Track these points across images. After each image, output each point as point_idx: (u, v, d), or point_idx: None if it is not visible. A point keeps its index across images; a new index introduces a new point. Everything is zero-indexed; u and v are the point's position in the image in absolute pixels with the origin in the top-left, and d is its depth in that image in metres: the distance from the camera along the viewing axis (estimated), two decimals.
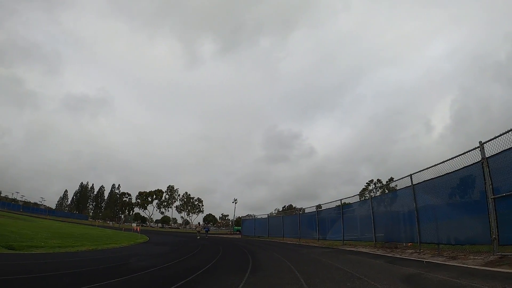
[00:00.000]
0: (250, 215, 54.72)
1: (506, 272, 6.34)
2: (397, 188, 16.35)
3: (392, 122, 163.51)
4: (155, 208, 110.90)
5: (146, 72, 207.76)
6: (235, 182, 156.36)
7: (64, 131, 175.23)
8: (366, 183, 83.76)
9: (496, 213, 8.49)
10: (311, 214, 27.93)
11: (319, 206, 27.24)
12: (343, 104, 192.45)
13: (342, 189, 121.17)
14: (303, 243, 24.25)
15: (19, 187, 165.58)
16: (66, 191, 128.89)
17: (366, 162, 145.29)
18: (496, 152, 8.64)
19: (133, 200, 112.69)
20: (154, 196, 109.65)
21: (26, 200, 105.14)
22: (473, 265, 7.67)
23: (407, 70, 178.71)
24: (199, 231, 39.60)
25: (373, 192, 20.92)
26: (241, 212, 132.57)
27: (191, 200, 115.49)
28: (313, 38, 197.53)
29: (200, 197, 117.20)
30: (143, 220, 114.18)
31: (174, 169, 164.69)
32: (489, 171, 8.87)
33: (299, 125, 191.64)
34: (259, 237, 38.57)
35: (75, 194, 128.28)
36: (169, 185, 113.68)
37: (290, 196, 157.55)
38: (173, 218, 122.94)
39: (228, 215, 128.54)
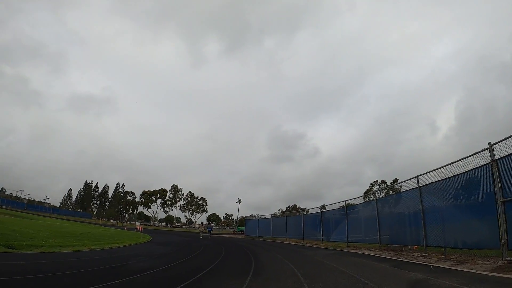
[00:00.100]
0: (254, 215, 54.56)
1: None
2: (402, 189, 16.08)
3: (396, 123, 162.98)
4: (159, 207, 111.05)
5: (150, 71, 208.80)
6: (239, 182, 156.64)
7: (68, 130, 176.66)
8: (371, 183, 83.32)
9: (505, 217, 8.24)
10: (315, 215, 27.69)
11: (323, 207, 27.01)
12: (348, 105, 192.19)
13: (346, 190, 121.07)
14: (307, 244, 24.03)
15: (24, 185, 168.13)
16: (70, 189, 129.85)
17: (371, 162, 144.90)
18: (506, 154, 8.39)
19: (137, 199, 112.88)
20: (158, 195, 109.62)
21: (30, 198, 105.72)
22: (481, 270, 7.43)
23: (412, 70, 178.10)
24: (202, 231, 39.53)
25: (378, 193, 20.62)
26: (244, 212, 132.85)
27: (195, 199, 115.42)
28: (318, 38, 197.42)
29: (204, 197, 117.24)
30: (147, 219, 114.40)
31: (178, 168, 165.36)
32: (498, 173, 8.61)
33: (304, 125, 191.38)
34: (263, 237, 38.39)
35: (80, 192, 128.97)
36: (173, 185, 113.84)
37: (294, 196, 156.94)
38: (177, 218, 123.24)
39: (232, 214, 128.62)
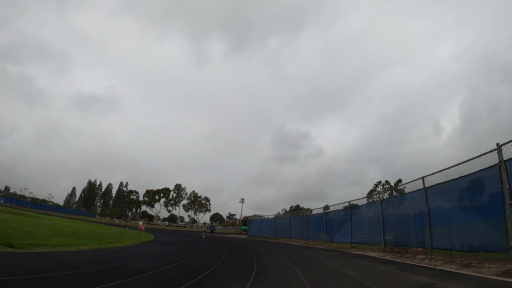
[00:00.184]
0: (257, 215, 54.41)
1: None
2: (405, 190, 15.86)
3: (400, 123, 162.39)
4: (163, 207, 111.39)
5: (154, 71, 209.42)
6: (242, 182, 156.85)
7: (73, 129, 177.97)
8: (374, 184, 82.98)
9: None
10: (318, 215, 27.50)
11: (326, 207, 26.80)
12: (352, 105, 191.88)
13: (350, 190, 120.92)
14: (310, 245, 23.83)
15: (28, 183, 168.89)
16: (74, 188, 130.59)
17: (374, 163, 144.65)
18: None
19: (141, 198, 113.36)
20: (162, 195, 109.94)
21: (34, 197, 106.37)
22: (488, 274, 7.22)
23: (416, 70, 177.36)
24: (204, 231, 39.48)
25: (382, 194, 20.43)
26: (248, 212, 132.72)
27: (199, 199, 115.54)
28: (322, 38, 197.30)
29: (207, 196, 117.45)
30: (150, 218, 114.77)
31: (181, 168, 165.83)
32: (506, 175, 8.39)
33: (308, 125, 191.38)
34: (266, 237, 38.20)
35: (83, 191, 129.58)
36: (177, 184, 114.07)
37: (297, 196, 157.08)
38: (180, 217, 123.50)
39: (235, 214, 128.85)
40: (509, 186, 8.28)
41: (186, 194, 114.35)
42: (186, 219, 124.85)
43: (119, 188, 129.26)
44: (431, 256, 11.55)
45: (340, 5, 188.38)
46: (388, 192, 41.16)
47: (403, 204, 15.58)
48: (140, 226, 33.85)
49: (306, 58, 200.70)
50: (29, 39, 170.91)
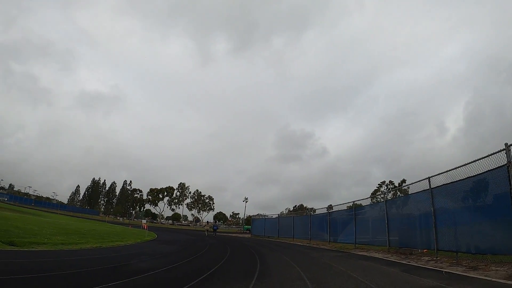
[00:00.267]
0: (261, 215, 54.32)
1: None
2: (409, 190, 15.65)
3: (405, 123, 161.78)
4: (166, 205, 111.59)
5: (159, 70, 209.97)
6: (246, 181, 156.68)
7: (77, 127, 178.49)
8: (378, 184, 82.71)
9: None
10: (322, 215, 27.29)
11: (330, 207, 26.64)
12: (356, 104, 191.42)
13: (354, 190, 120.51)
14: (314, 245, 23.67)
15: (32, 182, 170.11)
16: (78, 186, 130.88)
17: (378, 162, 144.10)
18: None
19: (144, 197, 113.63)
20: (165, 193, 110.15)
21: (38, 195, 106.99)
22: (496, 277, 7.05)
23: (420, 71, 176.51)
24: (207, 230, 39.48)
25: (386, 194, 20.22)
26: (251, 211, 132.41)
27: (202, 198, 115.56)
28: (326, 38, 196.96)
29: (211, 195, 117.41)
30: (153, 216, 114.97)
31: (185, 167, 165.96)
32: None
33: (312, 125, 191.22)
34: (269, 237, 38.06)
35: (87, 189, 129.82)
36: (180, 183, 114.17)
37: (301, 196, 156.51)
38: (183, 215, 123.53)
39: (238, 213, 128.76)
40: None
41: (190, 193, 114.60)
42: (190, 218, 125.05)
43: (123, 186, 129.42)
44: (436, 258, 11.35)
45: (344, 5, 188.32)
46: (392, 192, 40.91)
47: (408, 204, 15.38)
48: (143, 224, 33.77)
49: (310, 58, 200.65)
50: (33, 38, 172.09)
